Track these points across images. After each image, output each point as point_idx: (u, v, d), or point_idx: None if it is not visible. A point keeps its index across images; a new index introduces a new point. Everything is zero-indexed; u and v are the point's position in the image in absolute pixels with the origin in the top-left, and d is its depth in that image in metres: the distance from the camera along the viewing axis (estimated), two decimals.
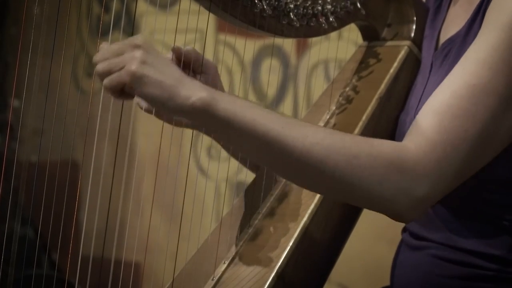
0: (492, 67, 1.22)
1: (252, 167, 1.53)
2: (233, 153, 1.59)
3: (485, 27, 1.27)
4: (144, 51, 1.19)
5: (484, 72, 1.22)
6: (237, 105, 1.20)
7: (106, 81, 1.19)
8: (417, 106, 1.41)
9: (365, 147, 1.20)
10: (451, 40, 1.41)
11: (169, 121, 1.45)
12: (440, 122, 1.21)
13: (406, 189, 1.20)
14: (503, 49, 1.23)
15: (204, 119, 1.20)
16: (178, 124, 1.46)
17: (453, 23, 1.44)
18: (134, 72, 1.17)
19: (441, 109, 1.22)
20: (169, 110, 1.20)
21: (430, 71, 1.45)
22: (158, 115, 1.44)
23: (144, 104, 1.41)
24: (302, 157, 1.19)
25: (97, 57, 1.21)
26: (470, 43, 1.33)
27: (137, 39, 1.20)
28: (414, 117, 1.39)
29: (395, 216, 1.27)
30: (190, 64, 1.44)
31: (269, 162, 1.25)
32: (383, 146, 1.21)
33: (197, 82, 1.20)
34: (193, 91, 1.18)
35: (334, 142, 1.20)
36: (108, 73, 1.19)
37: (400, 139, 1.43)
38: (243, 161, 1.57)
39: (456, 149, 1.21)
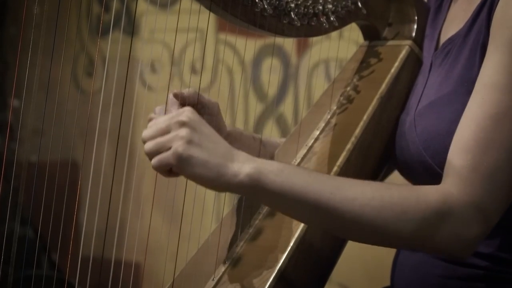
0: (508, 90, 1.23)
1: None
2: None
3: (493, 47, 1.27)
4: (190, 128, 1.18)
5: (502, 97, 1.23)
6: (285, 175, 1.20)
7: (154, 161, 1.19)
8: (417, 106, 1.41)
9: (412, 200, 1.21)
10: (451, 40, 1.40)
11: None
12: (472, 159, 1.22)
13: (457, 234, 1.22)
14: None
15: (253, 194, 1.21)
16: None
17: (453, 23, 1.44)
18: (181, 154, 1.17)
19: (469, 145, 1.23)
20: (218, 188, 1.20)
21: (430, 70, 1.44)
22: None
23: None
24: (352, 219, 1.21)
25: (145, 134, 1.21)
26: (470, 44, 1.33)
27: (183, 115, 1.19)
28: (414, 117, 1.39)
29: (450, 257, 1.32)
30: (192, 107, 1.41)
31: (320, 224, 1.28)
32: (429, 196, 1.22)
33: (243, 155, 1.20)
34: (240, 168, 1.18)
35: (382, 201, 1.21)
36: (155, 153, 1.19)
37: (400, 138, 1.44)
38: None
39: (493, 181, 1.22)
